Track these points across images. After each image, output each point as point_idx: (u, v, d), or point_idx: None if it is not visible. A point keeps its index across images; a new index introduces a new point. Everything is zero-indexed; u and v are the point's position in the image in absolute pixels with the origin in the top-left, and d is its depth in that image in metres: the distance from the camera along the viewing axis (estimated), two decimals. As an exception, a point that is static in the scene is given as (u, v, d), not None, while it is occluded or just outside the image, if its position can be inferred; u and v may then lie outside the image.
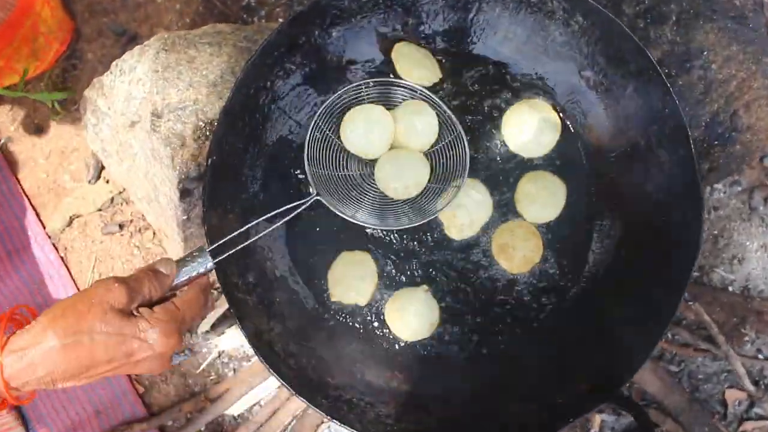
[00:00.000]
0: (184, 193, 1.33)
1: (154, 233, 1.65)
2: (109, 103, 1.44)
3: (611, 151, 1.29)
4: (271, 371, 1.13)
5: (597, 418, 1.55)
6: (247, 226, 1.11)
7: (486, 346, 1.28)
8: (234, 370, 1.61)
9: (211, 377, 1.61)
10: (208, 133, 1.29)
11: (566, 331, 1.24)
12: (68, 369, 0.89)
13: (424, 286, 1.31)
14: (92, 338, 0.88)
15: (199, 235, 1.42)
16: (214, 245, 1.07)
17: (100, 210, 1.67)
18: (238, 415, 1.59)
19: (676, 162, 1.17)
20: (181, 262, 1.04)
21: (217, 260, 1.06)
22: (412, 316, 1.28)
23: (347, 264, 1.30)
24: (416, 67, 1.31)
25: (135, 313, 0.94)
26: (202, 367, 1.61)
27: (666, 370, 1.56)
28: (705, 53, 1.34)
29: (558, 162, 1.32)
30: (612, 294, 1.25)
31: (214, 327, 1.58)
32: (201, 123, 1.31)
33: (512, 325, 1.29)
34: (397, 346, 1.29)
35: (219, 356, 1.62)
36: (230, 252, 1.08)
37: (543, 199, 1.30)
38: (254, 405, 1.58)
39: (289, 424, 1.56)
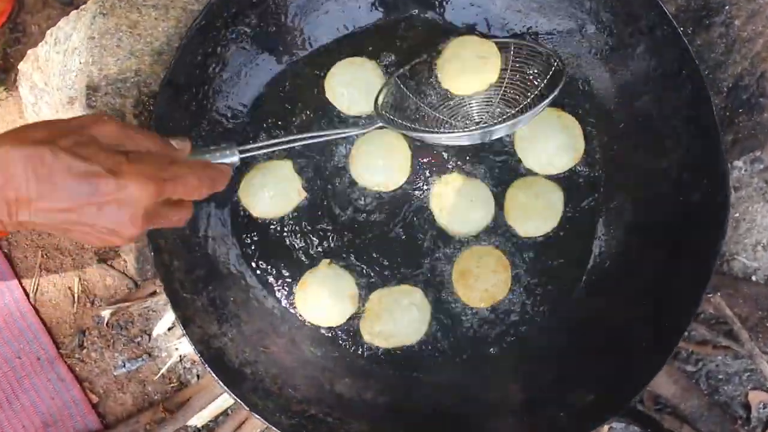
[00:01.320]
0: None
1: None
2: (45, 77, 1.31)
3: (619, 122, 1.19)
4: (220, 383, 1.02)
5: (604, 426, 1.40)
6: (279, 141, 1.07)
7: (474, 353, 1.17)
8: (198, 376, 1.46)
9: (172, 384, 1.47)
10: (151, 108, 1.18)
11: (567, 333, 1.15)
12: (25, 187, 0.74)
13: (325, 260, 1.18)
14: (56, 155, 0.74)
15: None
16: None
17: (46, 200, 1.49)
18: (202, 426, 1.44)
19: (695, 133, 1.08)
20: (202, 149, 0.95)
21: (244, 154, 0.97)
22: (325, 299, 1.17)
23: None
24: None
25: None
26: (161, 373, 1.46)
27: (682, 370, 1.44)
28: (727, 7, 1.24)
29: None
30: (621, 289, 1.15)
31: (173, 328, 1.44)
32: (144, 97, 1.19)
33: (504, 326, 1.18)
34: (372, 352, 1.17)
35: (180, 360, 1.47)
36: (258, 152, 1.03)
37: (537, 211, 1.18)
38: (219, 415, 1.43)
39: None
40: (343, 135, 1.11)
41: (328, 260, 1.18)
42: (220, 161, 0.94)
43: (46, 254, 1.51)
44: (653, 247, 1.12)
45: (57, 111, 1.31)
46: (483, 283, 1.15)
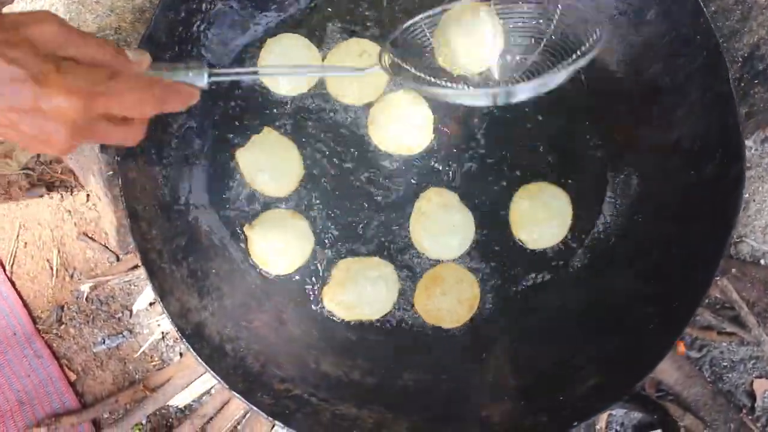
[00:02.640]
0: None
1: (87, 195, 1.48)
2: None
3: (627, 91, 1.14)
4: (199, 360, 0.97)
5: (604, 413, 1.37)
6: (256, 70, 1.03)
7: (468, 331, 1.13)
8: (180, 354, 1.44)
9: (154, 362, 1.45)
10: (131, 68, 1.07)
11: (569, 313, 1.11)
12: None
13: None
14: None
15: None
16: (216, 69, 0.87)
17: (25, 169, 1.51)
18: (185, 407, 1.42)
19: (709, 102, 1.04)
20: (165, 64, 0.85)
21: (212, 80, 0.85)
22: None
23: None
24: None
25: None
26: (142, 350, 1.44)
27: (685, 356, 1.43)
28: None
29: (559, 107, 1.15)
30: (627, 268, 1.10)
31: (155, 303, 1.42)
32: None
33: (502, 302, 1.14)
34: (362, 328, 1.13)
35: (162, 338, 1.45)
36: (230, 78, 0.96)
37: (545, 221, 1.13)
38: (203, 395, 1.41)
39: (243, 417, 1.38)
40: (333, 74, 1.05)
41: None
42: (182, 80, 0.84)
43: (24, 225, 1.49)
44: (662, 224, 1.08)
45: (34, 73, 1.24)
46: (446, 304, 1.11)
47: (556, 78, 0.88)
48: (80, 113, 0.71)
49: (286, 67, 1.07)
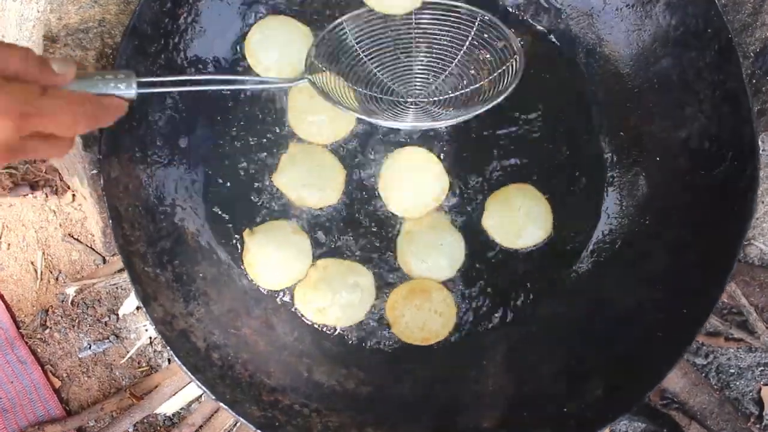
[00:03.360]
0: (88, 140, 1.12)
1: (73, 195, 1.45)
2: (2, 30, 1.26)
3: (634, 87, 1.14)
4: (184, 369, 0.95)
5: (607, 423, 1.35)
6: (189, 79, 0.98)
7: (467, 338, 1.11)
8: (168, 360, 1.41)
9: (141, 368, 1.42)
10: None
11: (573, 320, 1.10)
12: None
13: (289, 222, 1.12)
14: None
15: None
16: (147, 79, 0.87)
17: (8, 168, 1.46)
18: (173, 415, 1.39)
19: (721, 99, 1.03)
20: (92, 74, 0.83)
21: (142, 90, 0.84)
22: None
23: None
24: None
25: None
26: (129, 356, 1.40)
27: (691, 363, 1.41)
28: None
29: (566, 105, 1.15)
30: (633, 273, 1.10)
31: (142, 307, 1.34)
32: (108, 50, 1.11)
33: (501, 309, 1.12)
34: (356, 337, 1.12)
35: (150, 343, 1.41)
36: (162, 89, 0.91)
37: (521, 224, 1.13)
38: (191, 403, 1.38)
39: (234, 426, 1.36)
40: (262, 87, 1.04)
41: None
42: (111, 93, 0.82)
43: (7, 226, 1.46)
44: (670, 227, 1.08)
45: (16, 68, 1.22)
46: (417, 321, 1.10)
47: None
48: (10, 135, 0.70)
49: (217, 79, 1.05)
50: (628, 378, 0.98)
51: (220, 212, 1.10)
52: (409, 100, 1.07)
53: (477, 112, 0.99)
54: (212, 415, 1.34)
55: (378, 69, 1.08)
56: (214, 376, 0.97)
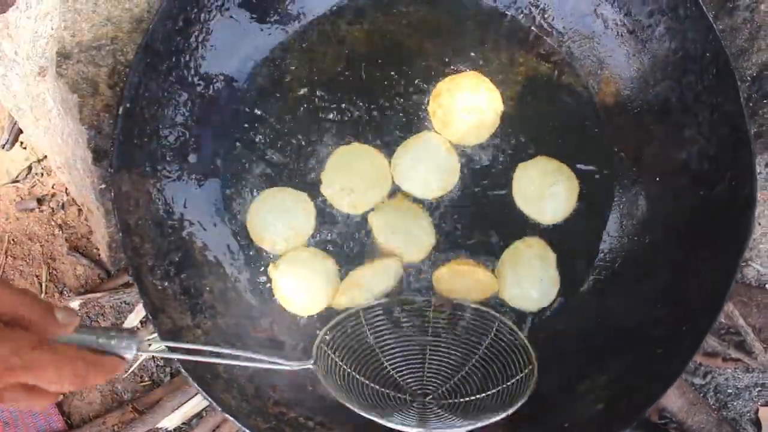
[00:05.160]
0: (99, 155, 1.14)
1: (79, 210, 1.45)
2: (15, 45, 1.24)
3: (635, 109, 1.14)
4: (191, 380, 0.95)
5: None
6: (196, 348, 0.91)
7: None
8: (171, 374, 1.40)
9: (144, 383, 1.40)
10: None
11: (574, 337, 1.11)
12: None
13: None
14: None
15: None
16: (151, 336, 0.87)
17: (15, 181, 1.48)
18: (175, 429, 1.37)
19: (719, 121, 1.04)
20: (94, 330, 0.78)
21: (143, 353, 0.79)
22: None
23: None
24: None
25: None
26: (132, 370, 1.40)
27: (689, 383, 1.40)
28: None
29: (567, 126, 1.15)
30: (633, 292, 1.10)
31: (147, 321, 1.37)
32: (120, 67, 1.12)
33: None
34: None
35: (153, 357, 1.40)
36: (159, 354, 0.90)
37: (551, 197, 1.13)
38: (193, 417, 1.37)
39: None
40: (271, 366, 0.94)
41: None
42: (109, 350, 0.77)
43: (13, 239, 1.46)
44: (669, 246, 1.08)
45: (28, 84, 1.24)
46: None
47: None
48: None
49: (224, 353, 0.95)
50: (628, 394, 0.97)
51: (228, 227, 1.11)
52: (418, 400, 1.04)
53: (486, 422, 0.97)
54: (215, 430, 1.34)
55: (390, 363, 1.07)
56: (220, 388, 0.97)
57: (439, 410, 1.03)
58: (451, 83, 1.13)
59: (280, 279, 1.09)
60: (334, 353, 1.03)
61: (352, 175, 1.11)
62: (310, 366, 0.97)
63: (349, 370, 1.03)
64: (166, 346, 0.87)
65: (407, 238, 1.10)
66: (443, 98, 1.12)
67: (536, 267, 1.10)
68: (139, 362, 1.38)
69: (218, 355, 0.93)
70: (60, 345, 0.72)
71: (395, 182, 1.12)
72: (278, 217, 1.10)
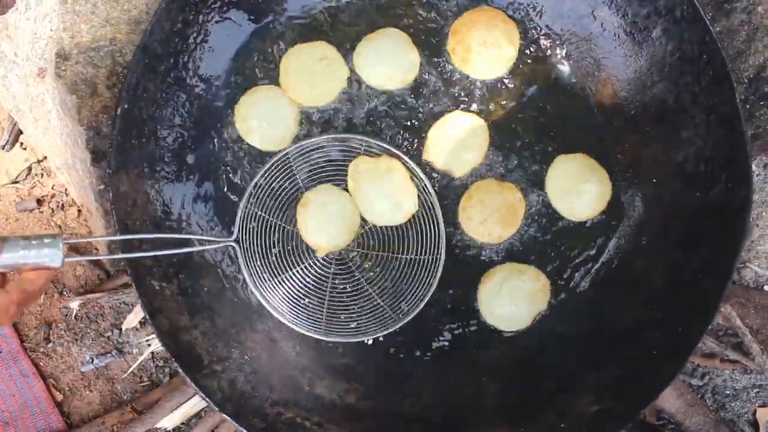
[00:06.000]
0: (98, 155, 1.14)
1: (79, 211, 1.45)
2: (15, 47, 1.25)
3: (631, 111, 1.14)
4: (188, 380, 0.96)
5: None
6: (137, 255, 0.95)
7: (467, 354, 1.11)
8: (170, 375, 1.40)
9: (143, 383, 1.41)
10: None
11: (570, 337, 1.11)
12: None
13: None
14: None
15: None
16: (69, 242, 0.88)
17: (15, 182, 1.47)
18: (174, 429, 1.37)
19: (715, 123, 1.03)
20: (19, 243, 0.78)
21: (69, 259, 0.81)
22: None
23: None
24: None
25: None
26: (131, 370, 1.40)
27: (687, 384, 1.39)
28: None
29: (564, 127, 1.15)
30: (630, 292, 1.10)
31: (146, 322, 1.38)
32: (118, 68, 1.13)
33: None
34: (357, 350, 1.11)
35: (152, 358, 1.41)
36: (92, 257, 0.96)
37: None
38: (192, 417, 1.37)
39: None
40: (197, 249, 1.02)
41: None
42: (37, 262, 0.78)
43: None
44: (666, 248, 1.08)
45: (27, 85, 1.25)
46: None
47: None
48: None
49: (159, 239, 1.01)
50: (624, 395, 0.98)
51: (225, 228, 1.11)
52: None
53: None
54: (213, 430, 1.34)
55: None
56: (218, 388, 0.98)
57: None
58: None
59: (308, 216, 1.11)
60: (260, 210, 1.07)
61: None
62: (231, 243, 1.02)
63: (273, 220, 1.08)
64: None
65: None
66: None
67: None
68: (138, 362, 1.39)
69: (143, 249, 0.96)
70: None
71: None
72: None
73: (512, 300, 1.11)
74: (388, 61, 1.13)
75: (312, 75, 1.12)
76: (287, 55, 1.13)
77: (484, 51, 1.12)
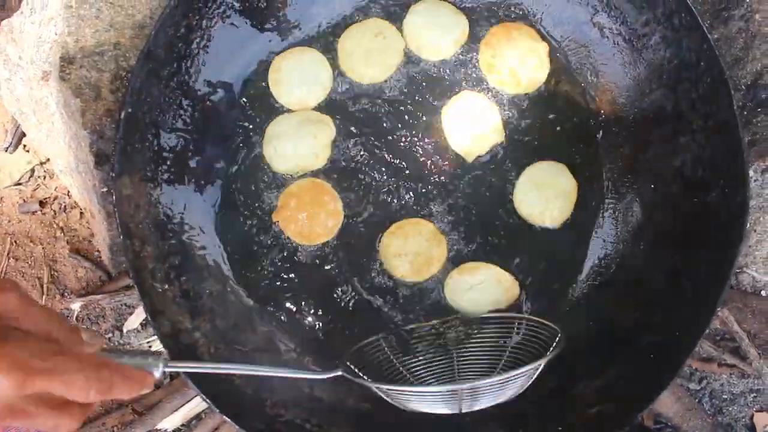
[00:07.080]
0: (101, 159, 1.14)
1: (81, 213, 1.45)
2: (19, 50, 1.25)
3: (630, 116, 1.14)
4: (190, 382, 0.95)
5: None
6: (218, 366, 0.89)
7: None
8: (171, 376, 1.39)
9: None
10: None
11: (568, 341, 1.04)
12: None
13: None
14: None
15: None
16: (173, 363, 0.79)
17: (18, 184, 1.47)
18: (174, 430, 1.37)
19: (713, 129, 1.03)
20: (119, 351, 0.77)
21: (170, 368, 0.78)
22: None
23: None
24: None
25: None
26: None
27: (685, 388, 1.39)
28: (747, 0, 1.19)
29: (563, 133, 1.15)
30: (628, 297, 1.10)
31: (147, 324, 1.38)
32: (122, 72, 1.13)
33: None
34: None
35: None
36: (191, 369, 0.85)
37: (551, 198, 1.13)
38: (193, 419, 1.37)
39: None
40: (295, 376, 0.91)
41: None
42: (135, 365, 0.75)
43: (15, 241, 1.45)
44: (663, 252, 1.08)
45: (31, 88, 1.24)
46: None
47: (520, 378, 0.90)
48: (13, 390, 0.62)
49: (243, 366, 0.94)
50: (621, 399, 0.97)
51: (227, 231, 1.11)
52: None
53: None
54: (214, 431, 1.33)
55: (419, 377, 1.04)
56: (219, 390, 0.97)
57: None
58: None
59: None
60: (362, 372, 0.97)
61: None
62: (342, 372, 0.92)
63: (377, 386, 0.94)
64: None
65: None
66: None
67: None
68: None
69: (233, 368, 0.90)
70: (84, 354, 0.70)
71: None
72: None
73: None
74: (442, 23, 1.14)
75: (369, 53, 1.14)
76: (342, 38, 1.15)
77: (519, 72, 1.13)
